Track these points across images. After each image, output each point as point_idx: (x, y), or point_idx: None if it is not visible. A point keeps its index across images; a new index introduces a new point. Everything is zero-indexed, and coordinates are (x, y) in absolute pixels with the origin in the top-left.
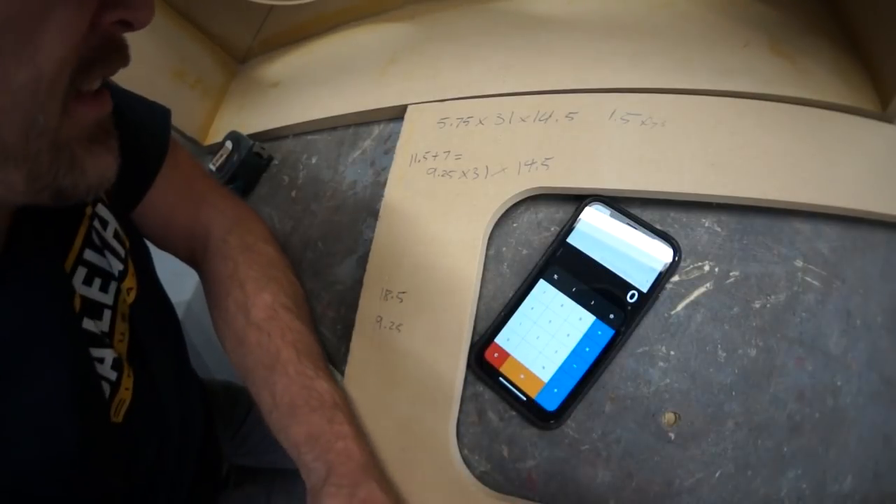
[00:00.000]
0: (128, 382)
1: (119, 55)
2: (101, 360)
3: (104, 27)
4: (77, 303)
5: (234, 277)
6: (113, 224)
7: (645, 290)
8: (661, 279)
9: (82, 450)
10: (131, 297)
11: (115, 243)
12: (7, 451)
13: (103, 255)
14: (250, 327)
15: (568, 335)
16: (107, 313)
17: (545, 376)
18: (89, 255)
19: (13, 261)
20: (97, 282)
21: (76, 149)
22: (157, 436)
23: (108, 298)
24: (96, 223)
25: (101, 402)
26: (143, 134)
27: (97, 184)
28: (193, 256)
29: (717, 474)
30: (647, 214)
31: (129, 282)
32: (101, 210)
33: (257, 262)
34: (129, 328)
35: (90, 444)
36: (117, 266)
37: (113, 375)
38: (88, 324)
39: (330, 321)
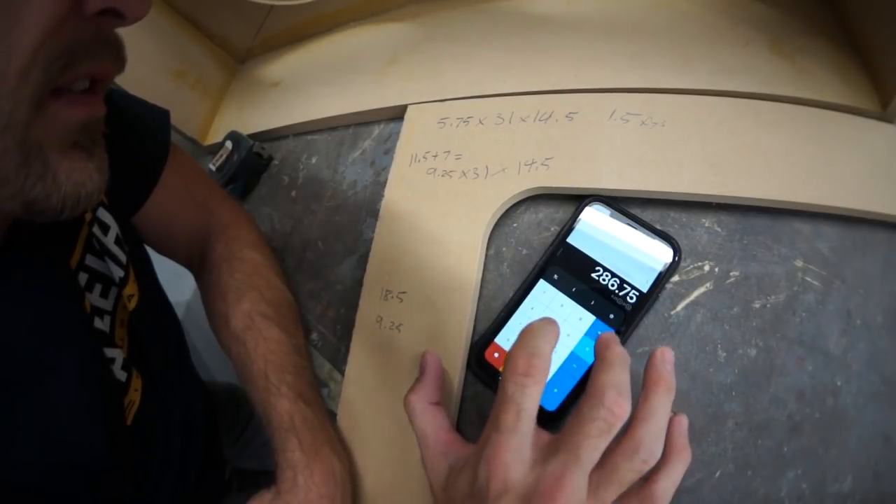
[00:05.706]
0: (136, 384)
1: (108, 49)
2: (113, 361)
3: (91, 17)
4: (87, 303)
5: (217, 287)
6: (114, 229)
7: (645, 290)
8: (661, 279)
9: (101, 454)
10: (132, 304)
11: (115, 249)
12: (22, 451)
13: (104, 261)
14: (231, 338)
15: (568, 335)
16: (106, 319)
17: None
18: (90, 260)
19: (15, 258)
20: (98, 287)
21: (51, 153)
22: (162, 440)
23: (107, 304)
24: (96, 229)
25: (119, 403)
26: (145, 138)
27: (73, 197)
28: (192, 262)
29: (717, 474)
30: (647, 214)
31: (130, 288)
32: (103, 214)
33: (240, 269)
34: (127, 334)
35: (110, 447)
36: (118, 272)
37: (123, 376)
38: (98, 323)
39: (330, 321)
